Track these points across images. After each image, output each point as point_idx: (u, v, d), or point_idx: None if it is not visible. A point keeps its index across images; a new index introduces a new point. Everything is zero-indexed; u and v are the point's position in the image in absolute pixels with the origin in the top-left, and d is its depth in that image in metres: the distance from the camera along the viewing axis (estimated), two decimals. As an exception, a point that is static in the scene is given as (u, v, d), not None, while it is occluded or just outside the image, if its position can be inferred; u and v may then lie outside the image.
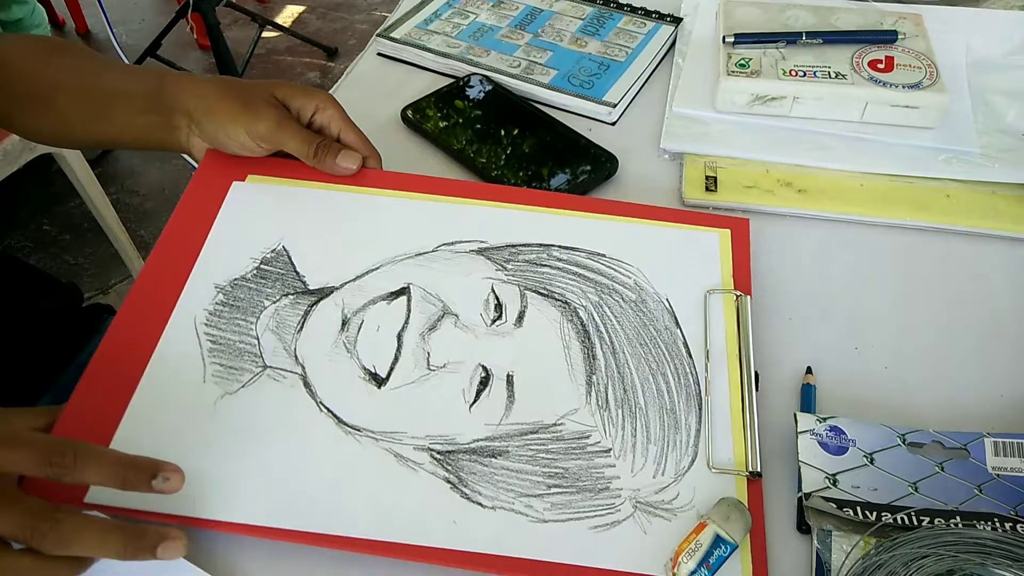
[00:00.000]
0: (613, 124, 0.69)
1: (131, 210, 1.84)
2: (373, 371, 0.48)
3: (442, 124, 0.67)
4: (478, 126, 0.67)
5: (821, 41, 0.67)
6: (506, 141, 0.65)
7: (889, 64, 0.65)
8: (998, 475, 0.44)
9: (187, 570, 0.41)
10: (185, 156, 1.49)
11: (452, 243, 0.54)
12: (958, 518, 0.42)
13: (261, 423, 0.46)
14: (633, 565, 0.41)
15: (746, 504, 0.43)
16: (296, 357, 0.49)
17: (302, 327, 0.50)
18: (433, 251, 0.54)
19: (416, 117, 0.68)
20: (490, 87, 0.70)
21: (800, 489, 0.44)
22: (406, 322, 0.50)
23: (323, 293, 0.51)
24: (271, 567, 0.43)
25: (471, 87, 0.71)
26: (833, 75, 0.65)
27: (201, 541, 0.43)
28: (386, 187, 0.57)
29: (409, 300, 0.51)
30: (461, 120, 0.67)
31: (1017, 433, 0.46)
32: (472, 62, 0.73)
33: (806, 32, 0.68)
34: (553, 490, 0.44)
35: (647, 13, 0.79)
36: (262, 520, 0.42)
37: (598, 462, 0.45)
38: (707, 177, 0.63)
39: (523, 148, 0.65)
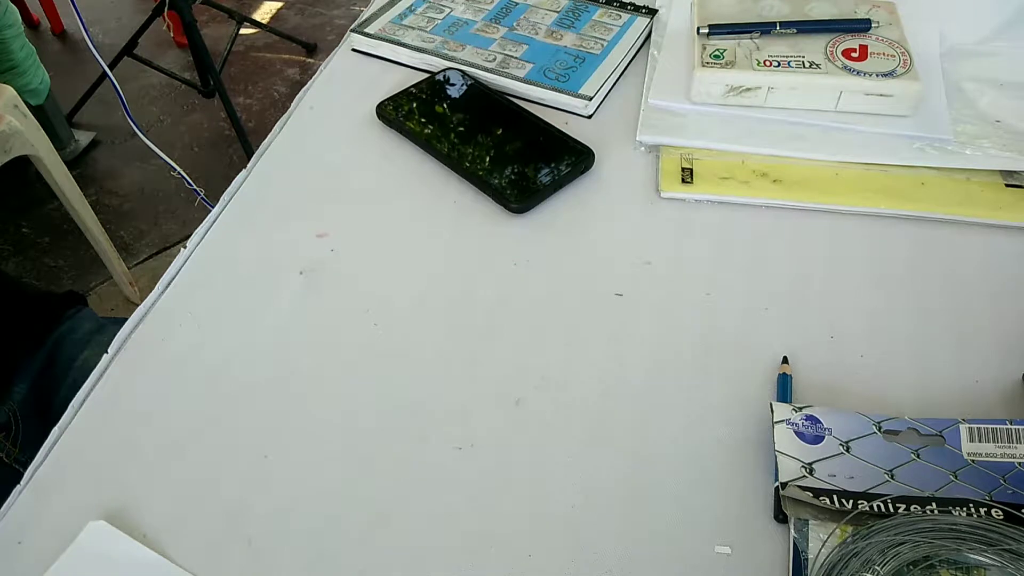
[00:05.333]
0: (589, 117, 0.69)
1: (110, 211, 1.82)
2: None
3: (425, 126, 0.66)
4: (460, 127, 0.66)
5: (795, 31, 0.67)
6: (489, 141, 0.65)
7: (863, 53, 0.66)
8: (973, 461, 0.45)
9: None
10: (164, 156, 1.48)
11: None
12: (934, 504, 0.43)
13: None
14: None
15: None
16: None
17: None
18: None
19: (393, 114, 0.68)
20: (469, 83, 0.70)
21: (776, 479, 0.44)
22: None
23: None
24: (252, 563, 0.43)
25: (451, 84, 0.70)
26: (807, 65, 0.65)
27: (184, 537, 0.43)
28: None
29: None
30: (442, 120, 0.67)
31: (992, 419, 0.46)
32: (447, 57, 0.73)
33: (780, 22, 0.68)
34: None
35: (622, 5, 0.79)
36: None
37: None
38: (683, 169, 0.63)
39: (506, 147, 0.64)
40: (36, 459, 0.48)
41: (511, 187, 0.61)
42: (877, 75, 0.64)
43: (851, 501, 0.43)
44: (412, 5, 0.80)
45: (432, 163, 0.65)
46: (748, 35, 0.68)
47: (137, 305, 0.55)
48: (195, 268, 0.58)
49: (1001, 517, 0.42)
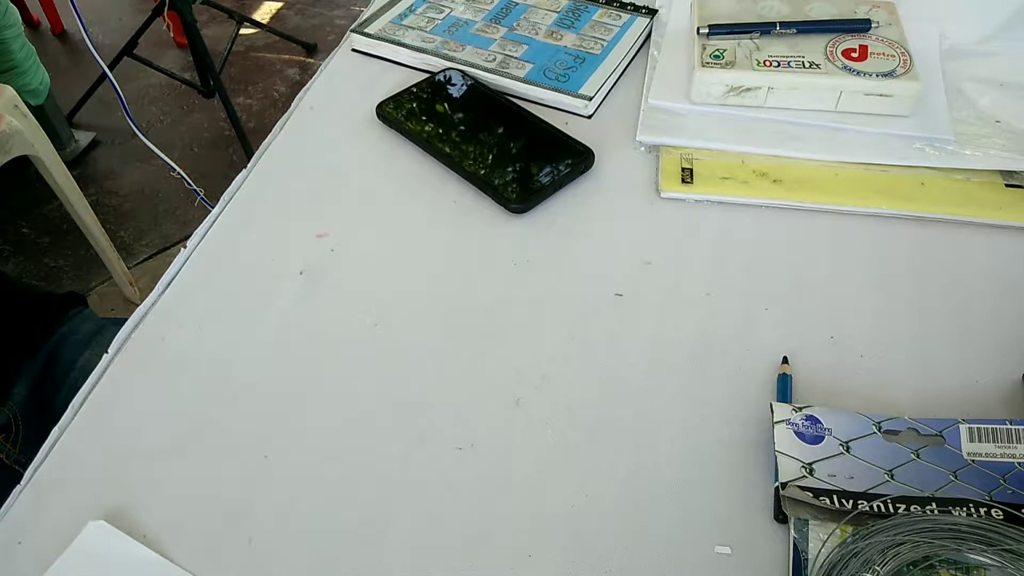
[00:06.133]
0: (589, 117, 0.69)
1: (110, 211, 1.82)
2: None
3: (425, 126, 0.66)
4: (460, 126, 0.66)
5: (795, 31, 0.67)
6: (489, 141, 0.65)
7: (863, 53, 0.65)
8: (973, 461, 0.45)
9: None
10: (164, 157, 1.48)
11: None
12: (934, 504, 0.43)
13: None
14: None
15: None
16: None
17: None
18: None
19: (393, 114, 0.68)
20: (469, 83, 0.70)
21: (776, 479, 0.44)
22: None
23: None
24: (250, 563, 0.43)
25: (451, 84, 0.70)
26: (807, 65, 0.65)
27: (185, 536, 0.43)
28: None
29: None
30: (442, 120, 0.67)
31: (992, 419, 0.46)
32: (447, 57, 0.73)
33: (780, 22, 0.68)
34: None
35: (622, 5, 0.79)
36: None
37: None
38: (683, 169, 0.63)
39: (506, 147, 0.64)
40: (36, 459, 0.48)
41: (511, 187, 0.61)
42: (877, 75, 0.64)
43: (851, 501, 0.43)
44: (412, 5, 0.80)
45: (432, 163, 0.65)
46: (748, 35, 0.68)
47: (137, 305, 0.55)
48: (195, 268, 0.58)
49: (1001, 517, 0.42)
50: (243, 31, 2.26)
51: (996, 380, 0.50)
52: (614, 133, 0.67)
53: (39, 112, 1.67)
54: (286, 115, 0.71)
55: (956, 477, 0.44)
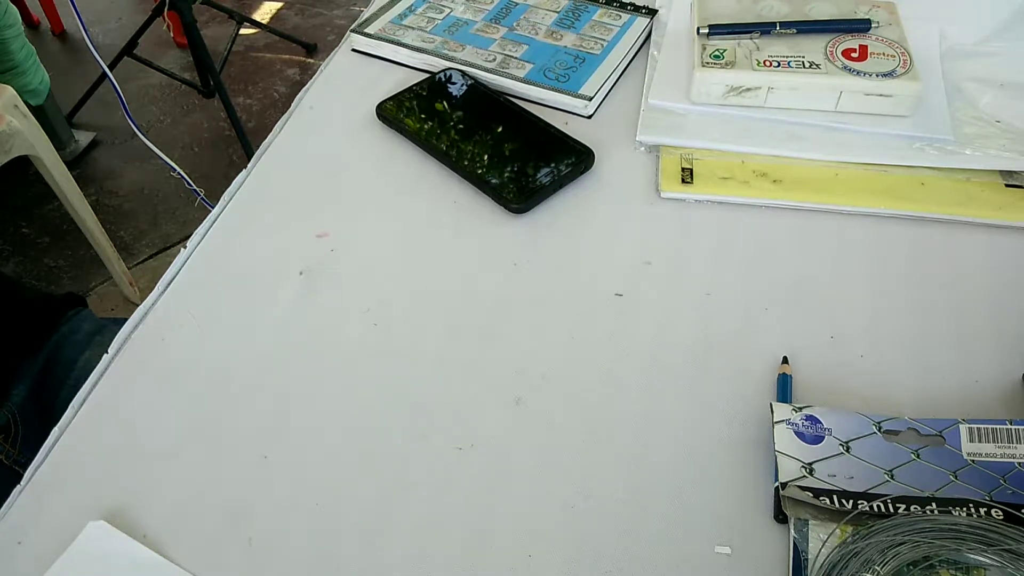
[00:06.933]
0: (589, 117, 0.69)
1: (110, 211, 1.82)
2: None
3: (425, 126, 0.66)
4: (460, 125, 0.66)
5: (795, 31, 0.67)
6: (489, 141, 0.65)
7: (863, 53, 0.66)
8: (973, 461, 0.45)
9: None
10: (164, 157, 1.48)
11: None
12: (934, 504, 0.43)
13: None
14: None
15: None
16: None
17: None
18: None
19: (393, 114, 0.68)
20: (469, 83, 0.70)
21: (776, 479, 0.44)
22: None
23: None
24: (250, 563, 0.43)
25: (452, 83, 0.70)
26: (807, 65, 0.65)
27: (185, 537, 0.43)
28: None
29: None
30: (442, 120, 0.67)
31: (992, 419, 0.46)
32: (447, 57, 0.73)
33: (780, 22, 0.68)
34: None
35: (622, 5, 0.79)
36: None
37: None
38: (683, 169, 0.63)
39: (505, 146, 0.64)
40: (36, 459, 0.48)
41: (511, 187, 0.61)
42: (877, 75, 0.64)
43: (851, 501, 0.43)
44: (412, 5, 0.80)
45: (432, 163, 0.65)
46: (748, 35, 0.68)
47: (137, 305, 0.55)
48: (195, 268, 0.58)
49: (1001, 517, 0.42)
50: (243, 31, 2.26)
51: (996, 380, 0.50)
52: (614, 133, 0.67)
53: (39, 112, 1.67)
54: (286, 115, 0.71)
55: (956, 477, 0.44)
